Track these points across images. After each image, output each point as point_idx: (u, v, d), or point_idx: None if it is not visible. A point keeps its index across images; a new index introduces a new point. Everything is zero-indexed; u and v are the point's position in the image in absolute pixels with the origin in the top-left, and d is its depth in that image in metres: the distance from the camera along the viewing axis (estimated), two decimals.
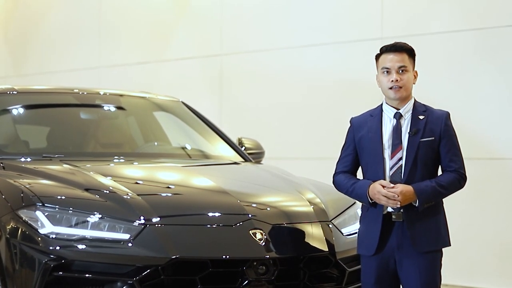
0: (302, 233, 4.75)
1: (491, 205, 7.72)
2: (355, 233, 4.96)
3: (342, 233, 4.90)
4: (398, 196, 4.13)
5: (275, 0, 9.35)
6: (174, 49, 10.23)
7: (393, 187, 4.16)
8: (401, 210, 4.20)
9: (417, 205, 4.17)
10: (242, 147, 6.28)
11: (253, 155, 6.24)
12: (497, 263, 7.67)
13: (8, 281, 4.52)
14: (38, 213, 4.52)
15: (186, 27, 10.12)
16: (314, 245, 4.73)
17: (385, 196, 4.15)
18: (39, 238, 4.45)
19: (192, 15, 10.08)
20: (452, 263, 7.59)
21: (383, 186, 4.18)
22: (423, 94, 7.94)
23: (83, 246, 4.44)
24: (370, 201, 4.24)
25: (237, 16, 9.64)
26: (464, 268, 7.78)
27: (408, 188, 4.15)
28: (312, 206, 4.93)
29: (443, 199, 4.34)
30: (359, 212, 5.17)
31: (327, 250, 4.71)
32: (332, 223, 4.89)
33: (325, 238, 4.75)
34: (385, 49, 4.32)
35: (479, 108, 7.79)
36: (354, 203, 5.22)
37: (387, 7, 8.38)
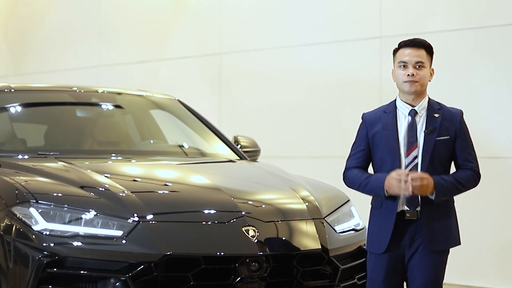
0: (295, 230, 4.76)
1: (490, 204, 7.72)
2: (349, 230, 5.00)
3: (336, 231, 4.91)
4: (422, 179, 4.03)
5: None
6: (173, 48, 10.25)
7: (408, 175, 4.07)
8: (417, 209, 4.16)
9: (433, 197, 4.12)
10: (238, 145, 6.28)
11: (249, 153, 6.23)
12: (495, 262, 7.66)
13: (1, 278, 4.54)
14: (32, 210, 4.54)
15: (185, 26, 10.14)
16: (307, 242, 4.73)
17: (399, 179, 4.04)
18: (33, 235, 4.47)
19: (191, 14, 10.09)
20: (451, 262, 7.53)
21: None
22: None
23: (77, 243, 4.46)
24: (386, 194, 4.14)
25: (236, 15, 9.65)
26: (462, 267, 7.77)
27: (430, 179, 4.08)
28: (306, 204, 4.93)
29: (454, 199, 4.33)
30: (353, 209, 5.19)
31: (319, 247, 4.71)
32: (326, 221, 4.89)
33: (318, 236, 4.75)
34: (404, 44, 4.27)
35: (478, 107, 7.78)
36: (348, 200, 5.23)
37: (386, 6, 8.39)
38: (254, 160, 6.26)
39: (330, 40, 8.80)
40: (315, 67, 8.91)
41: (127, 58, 10.71)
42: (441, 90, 7.89)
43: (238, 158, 6.08)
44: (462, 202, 7.71)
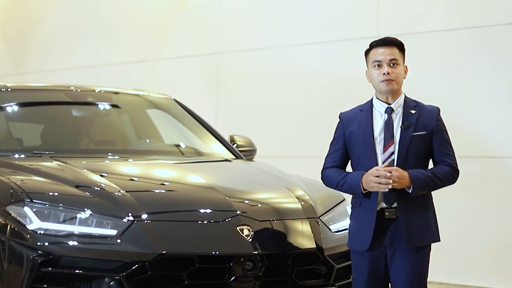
0: (289, 230, 4.76)
1: (487, 203, 7.71)
2: (344, 229, 4.97)
3: (331, 230, 4.90)
4: (391, 173, 4.08)
5: None
6: (172, 48, 10.25)
7: (385, 166, 4.13)
8: (394, 205, 4.18)
9: (410, 191, 4.15)
10: (234, 144, 6.28)
11: (245, 153, 6.23)
12: (493, 261, 7.65)
13: None
14: (26, 209, 4.54)
15: (183, 26, 10.14)
16: (301, 242, 4.72)
17: (378, 177, 4.09)
18: (27, 234, 4.47)
19: (189, 14, 10.09)
20: (449, 262, 7.58)
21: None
22: (420, 92, 7.97)
23: (71, 242, 4.45)
24: (363, 192, 4.19)
25: (234, 14, 9.65)
26: (460, 267, 7.77)
27: (404, 172, 4.13)
28: (301, 203, 4.93)
29: (433, 196, 4.33)
30: (348, 209, 5.17)
31: (314, 246, 4.71)
32: (320, 220, 4.88)
33: (313, 235, 4.75)
34: (375, 44, 4.31)
35: (476, 107, 7.78)
36: (343, 200, 5.22)
37: (383, 5, 8.38)
38: (250, 160, 6.26)
39: (328, 39, 8.80)
40: (313, 66, 8.91)
41: (125, 57, 10.71)
42: (440, 90, 7.90)
43: (234, 157, 6.07)
44: (461, 202, 7.75)
